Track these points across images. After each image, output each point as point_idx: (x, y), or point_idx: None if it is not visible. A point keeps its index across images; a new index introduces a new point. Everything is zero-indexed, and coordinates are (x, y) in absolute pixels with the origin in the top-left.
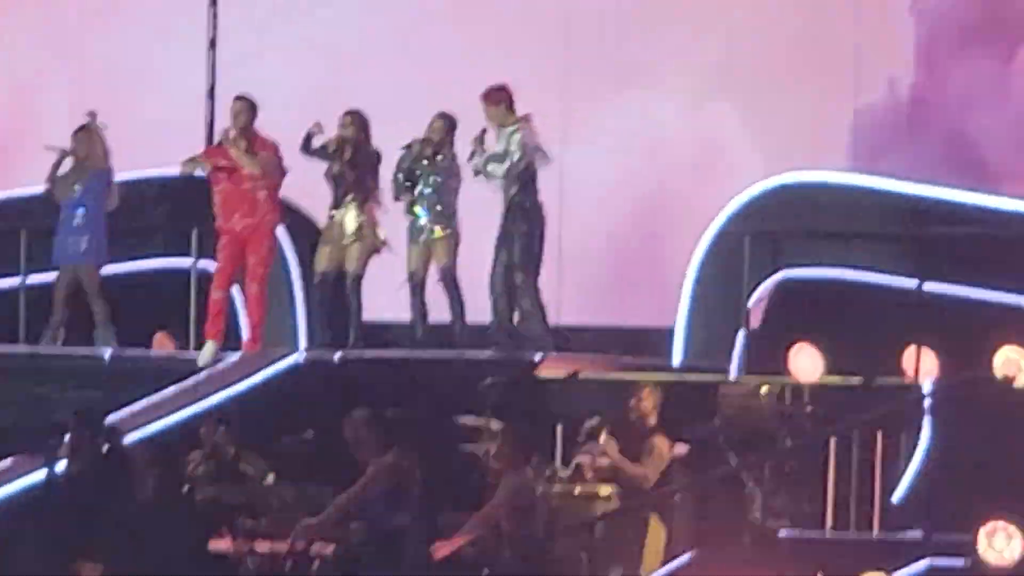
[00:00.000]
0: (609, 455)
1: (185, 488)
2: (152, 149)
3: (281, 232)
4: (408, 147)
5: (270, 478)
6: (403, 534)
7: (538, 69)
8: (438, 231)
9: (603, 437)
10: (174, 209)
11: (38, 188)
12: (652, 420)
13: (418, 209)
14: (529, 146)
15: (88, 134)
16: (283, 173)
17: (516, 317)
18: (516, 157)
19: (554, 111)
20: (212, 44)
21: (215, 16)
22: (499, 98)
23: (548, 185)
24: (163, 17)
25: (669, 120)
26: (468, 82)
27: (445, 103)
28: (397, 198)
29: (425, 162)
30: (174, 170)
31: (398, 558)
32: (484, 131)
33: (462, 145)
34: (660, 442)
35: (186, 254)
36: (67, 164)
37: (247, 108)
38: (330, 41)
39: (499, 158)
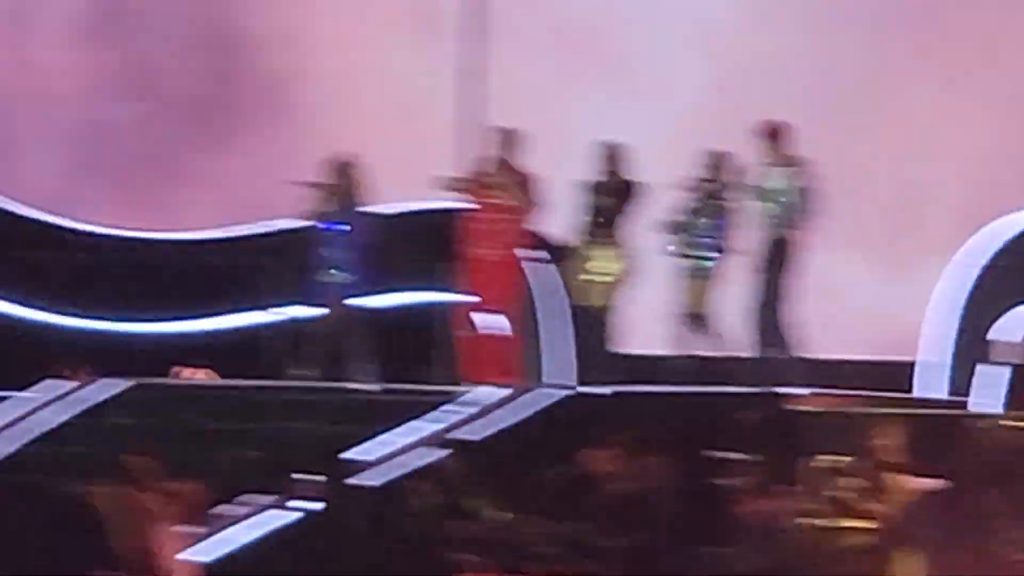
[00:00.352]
0: (846, 489)
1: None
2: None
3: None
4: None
5: (494, 513)
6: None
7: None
8: (708, 267)
9: (845, 472)
10: (427, 242)
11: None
12: (892, 455)
13: (693, 247)
14: (810, 191)
15: (346, 168)
16: (535, 205)
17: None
18: (797, 198)
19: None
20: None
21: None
22: (779, 134)
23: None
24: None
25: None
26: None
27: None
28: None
29: (703, 200)
30: (430, 203)
31: None
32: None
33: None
34: (899, 478)
35: (440, 288)
36: (322, 198)
37: (508, 139)
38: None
39: (779, 195)
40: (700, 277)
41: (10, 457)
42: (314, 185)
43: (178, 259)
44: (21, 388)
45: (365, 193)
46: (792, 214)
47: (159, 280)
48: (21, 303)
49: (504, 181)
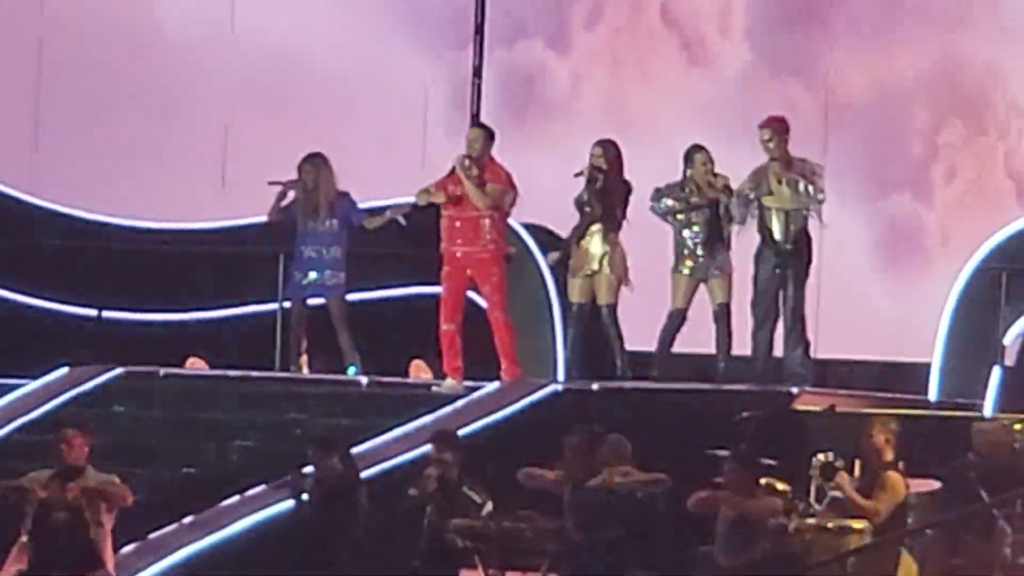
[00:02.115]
0: (841, 488)
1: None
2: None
3: (540, 259)
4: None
5: (488, 506)
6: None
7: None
8: (715, 269)
9: (839, 471)
10: (408, 234)
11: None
12: (888, 455)
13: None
14: (821, 186)
15: (315, 164)
16: (512, 203)
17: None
18: (814, 193)
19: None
20: (478, 30)
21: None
22: (783, 128)
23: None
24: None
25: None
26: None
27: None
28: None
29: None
30: (408, 198)
31: None
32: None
33: None
34: (894, 478)
35: (426, 281)
36: (290, 195)
37: (483, 136)
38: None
39: (797, 190)
40: (698, 278)
41: (1, 442)
42: (287, 183)
43: (173, 249)
44: (37, 376)
45: (335, 188)
46: (811, 209)
47: (150, 270)
48: (31, 293)
49: (480, 178)
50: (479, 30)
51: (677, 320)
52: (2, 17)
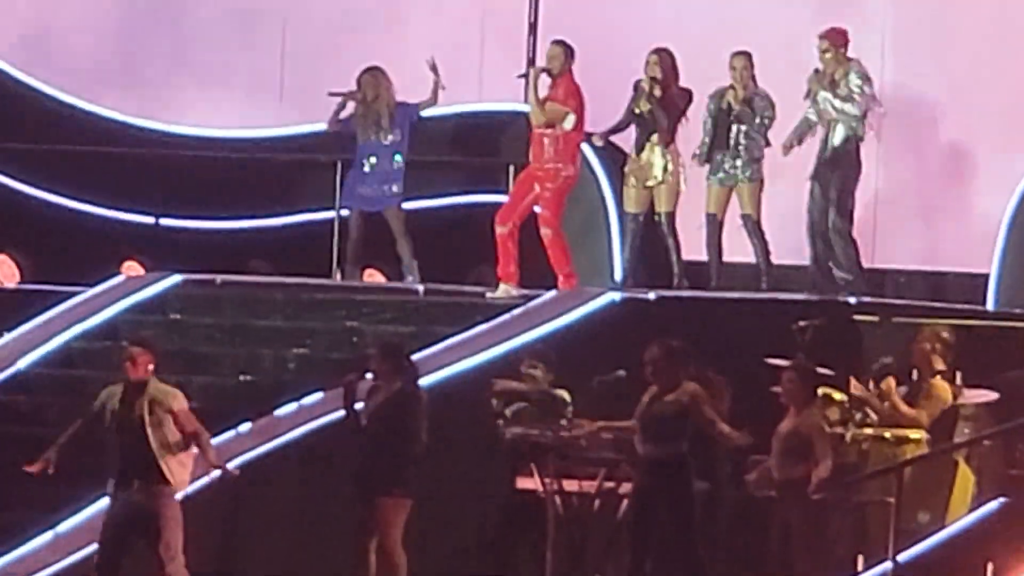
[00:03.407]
0: (887, 394)
1: (502, 422)
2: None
3: (600, 171)
4: (714, 97)
5: (566, 397)
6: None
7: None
8: (744, 177)
9: (886, 377)
10: (466, 142)
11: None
12: (938, 363)
13: (723, 155)
14: (868, 89)
15: (374, 76)
16: (576, 126)
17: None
18: (858, 98)
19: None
20: None
21: None
22: (842, 40)
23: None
24: None
25: (989, 61)
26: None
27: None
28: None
29: (736, 110)
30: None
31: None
32: (820, 71)
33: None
34: (939, 385)
35: (484, 190)
36: (350, 107)
37: (562, 54)
38: None
39: (846, 99)
40: (728, 186)
41: (59, 351)
42: (347, 94)
43: (226, 157)
44: (93, 283)
45: (394, 99)
46: (860, 120)
47: (206, 177)
48: (88, 200)
49: (545, 97)
50: None
51: (715, 225)
52: None
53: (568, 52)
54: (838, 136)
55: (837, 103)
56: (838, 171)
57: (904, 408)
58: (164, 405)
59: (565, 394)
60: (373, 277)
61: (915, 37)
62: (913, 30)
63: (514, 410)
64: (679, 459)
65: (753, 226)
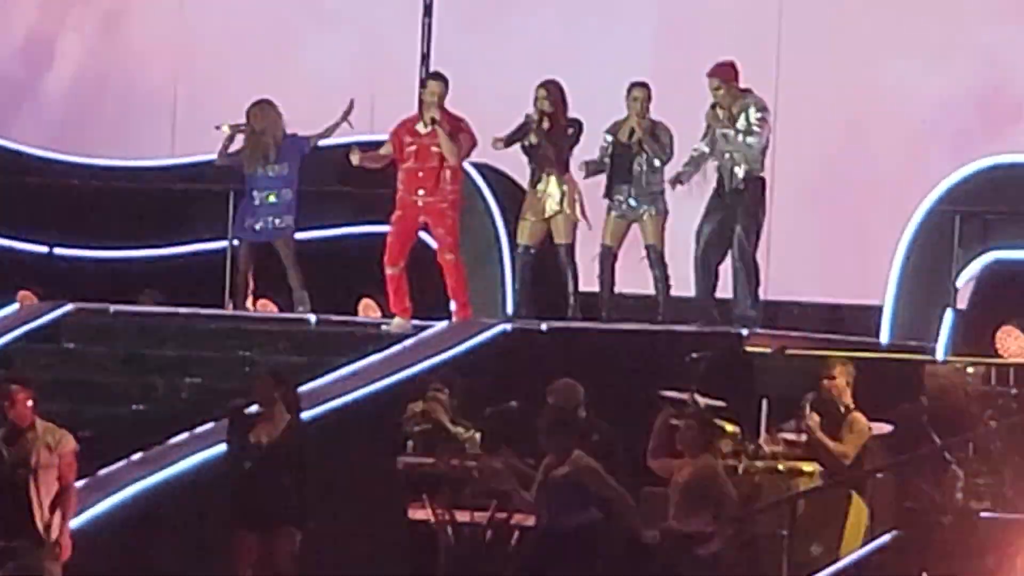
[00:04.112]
0: (811, 430)
1: (407, 443)
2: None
3: (491, 201)
4: (611, 129)
5: (476, 436)
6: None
7: (747, 38)
8: (647, 209)
9: (807, 413)
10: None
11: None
12: (847, 398)
13: (624, 188)
14: (768, 120)
15: (263, 108)
16: (468, 150)
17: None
18: (759, 131)
19: (765, 84)
20: (428, 10)
21: None
22: (732, 74)
23: None
24: None
25: (886, 94)
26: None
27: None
28: (590, 175)
29: (633, 142)
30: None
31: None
32: (717, 107)
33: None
34: (860, 419)
35: (371, 221)
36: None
37: (444, 87)
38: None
39: (747, 132)
40: (628, 219)
41: None
42: (235, 127)
43: (121, 187)
44: None
45: (282, 131)
46: (758, 152)
47: (101, 207)
48: None
49: (437, 127)
50: None
51: (608, 258)
52: None
53: (447, 85)
54: (740, 170)
55: (739, 138)
56: (742, 205)
57: (830, 444)
58: (54, 449)
59: (464, 429)
60: (266, 307)
61: (808, 65)
62: (806, 58)
63: (416, 432)
64: (580, 528)
65: (657, 257)
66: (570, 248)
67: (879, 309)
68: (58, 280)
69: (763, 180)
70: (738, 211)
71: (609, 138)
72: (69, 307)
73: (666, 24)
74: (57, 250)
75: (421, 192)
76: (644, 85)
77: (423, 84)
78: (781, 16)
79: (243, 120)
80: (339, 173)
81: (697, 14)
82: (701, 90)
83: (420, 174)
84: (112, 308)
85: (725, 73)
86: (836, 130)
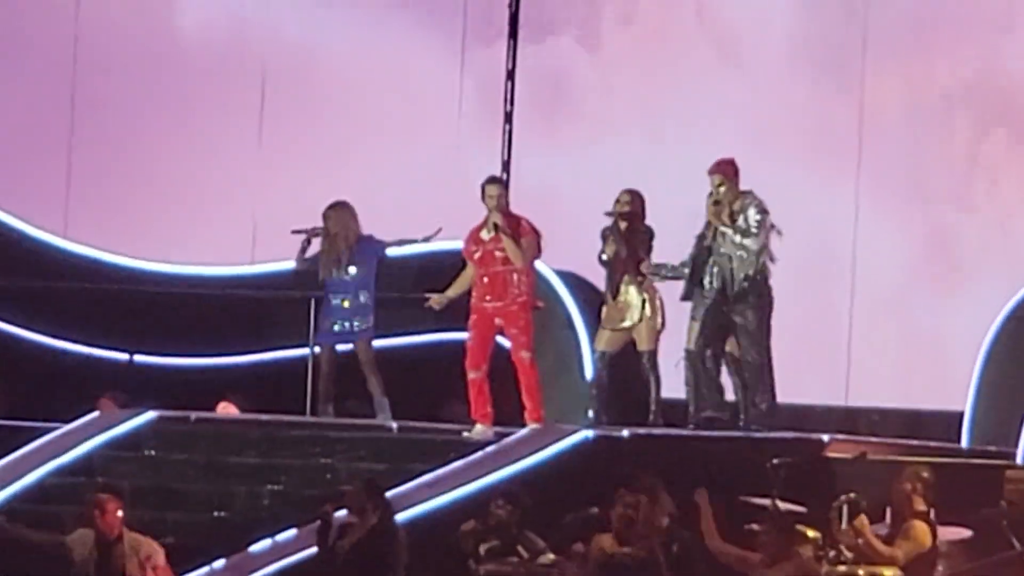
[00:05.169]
0: (861, 531)
1: (473, 561)
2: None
3: (572, 307)
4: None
5: (549, 557)
6: None
7: (826, 147)
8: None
9: (859, 515)
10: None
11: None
12: (918, 504)
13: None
14: (767, 223)
15: (339, 211)
16: (539, 253)
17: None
18: (757, 233)
19: (846, 188)
20: (508, 118)
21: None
22: (733, 170)
23: (840, 264)
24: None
25: (962, 200)
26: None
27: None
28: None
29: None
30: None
31: None
32: (718, 203)
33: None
34: (919, 527)
35: (456, 327)
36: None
37: (503, 190)
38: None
39: (745, 233)
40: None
41: (34, 487)
42: (311, 231)
43: (201, 294)
44: (68, 420)
45: (357, 233)
46: (755, 254)
47: (181, 314)
48: (63, 336)
49: (500, 232)
50: (512, 30)
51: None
52: (34, 64)
53: (505, 187)
54: (740, 271)
55: (737, 238)
56: (745, 305)
57: (879, 546)
58: (144, 561)
59: (533, 536)
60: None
61: (888, 171)
62: (886, 165)
63: (487, 548)
64: None
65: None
66: (653, 355)
67: (959, 415)
68: (139, 387)
69: (765, 277)
70: (740, 309)
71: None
72: (150, 414)
73: (747, 133)
74: (138, 357)
75: (489, 298)
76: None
77: (482, 190)
78: (862, 125)
79: (320, 223)
80: (418, 279)
81: (777, 125)
82: (778, 201)
83: (486, 279)
84: (193, 415)
85: (727, 170)
86: (916, 235)
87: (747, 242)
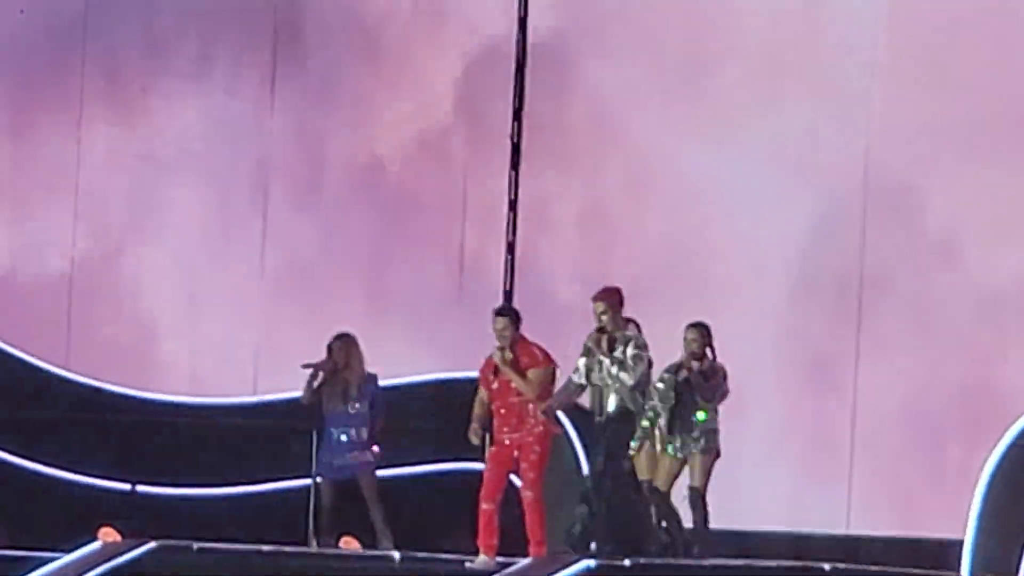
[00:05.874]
0: None
1: None
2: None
3: (574, 434)
4: (671, 370)
5: None
6: None
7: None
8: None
9: None
10: (443, 411)
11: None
12: None
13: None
14: (644, 359)
15: (345, 342)
16: (555, 379)
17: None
18: (633, 369)
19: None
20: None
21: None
22: (618, 298)
23: (841, 393)
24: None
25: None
26: None
27: None
28: None
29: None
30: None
31: None
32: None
33: None
34: None
35: (457, 457)
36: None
37: (512, 323)
38: None
39: (622, 366)
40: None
41: None
42: (318, 365)
43: (199, 423)
44: (70, 549)
45: (363, 368)
46: (628, 388)
47: (181, 444)
48: (63, 467)
49: (523, 364)
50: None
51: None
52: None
53: (516, 319)
54: (611, 402)
55: (614, 369)
56: (611, 436)
57: None
58: None
59: None
60: (350, 544)
61: (889, 313)
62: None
63: None
64: None
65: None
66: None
67: (960, 543)
68: (141, 518)
69: (632, 414)
70: (606, 441)
71: (667, 378)
72: (152, 545)
73: None
74: (140, 487)
75: (506, 430)
76: (699, 326)
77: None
78: (863, 253)
79: (325, 355)
80: (420, 410)
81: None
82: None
83: (503, 411)
84: (196, 545)
85: (611, 298)
86: (916, 365)
87: (623, 375)
